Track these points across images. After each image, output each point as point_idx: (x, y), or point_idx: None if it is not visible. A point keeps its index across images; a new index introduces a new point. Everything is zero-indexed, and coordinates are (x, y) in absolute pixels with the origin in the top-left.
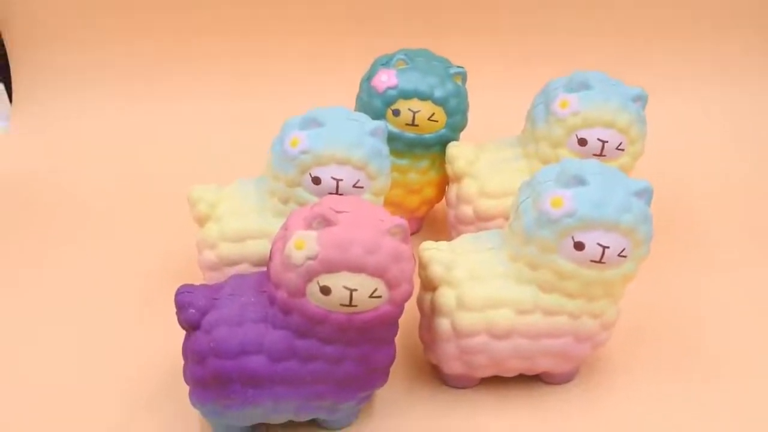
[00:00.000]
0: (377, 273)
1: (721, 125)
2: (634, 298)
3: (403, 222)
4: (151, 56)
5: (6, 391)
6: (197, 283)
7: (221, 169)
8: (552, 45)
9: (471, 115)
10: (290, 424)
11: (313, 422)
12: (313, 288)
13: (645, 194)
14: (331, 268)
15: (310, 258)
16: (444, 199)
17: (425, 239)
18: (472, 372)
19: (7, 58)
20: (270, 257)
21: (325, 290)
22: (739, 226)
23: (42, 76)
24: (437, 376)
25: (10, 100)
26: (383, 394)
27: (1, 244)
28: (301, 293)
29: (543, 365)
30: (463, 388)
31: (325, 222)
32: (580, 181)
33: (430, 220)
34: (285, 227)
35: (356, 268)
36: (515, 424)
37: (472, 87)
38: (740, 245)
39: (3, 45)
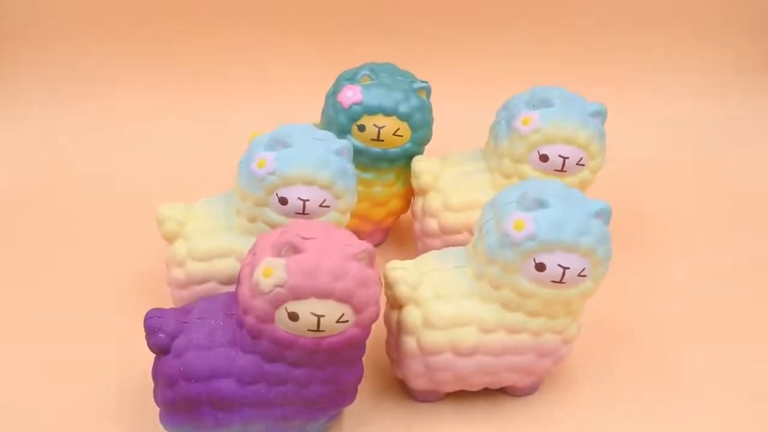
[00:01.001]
0: (344, 299)
1: (675, 135)
2: (593, 309)
3: (369, 247)
4: (123, 71)
5: None
6: (167, 298)
7: (190, 182)
8: (513, 58)
9: (435, 127)
10: None
11: None
12: (281, 314)
13: (604, 215)
14: (299, 295)
15: (278, 285)
16: (409, 210)
17: (391, 249)
18: (437, 387)
19: None
20: (238, 282)
21: (293, 316)
22: (694, 233)
23: (9, 90)
24: (404, 390)
25: None
26: (351, 409)
27: None
28: (270, 319)
29: (506, 380)
30: (429, 401)
31: (293, 249)
32: (541, 204)
33: (395, 230)
34: (253, 252)
35: (324, 295)
36: None
37: (435, 99)
38: (695, 253)
39: None
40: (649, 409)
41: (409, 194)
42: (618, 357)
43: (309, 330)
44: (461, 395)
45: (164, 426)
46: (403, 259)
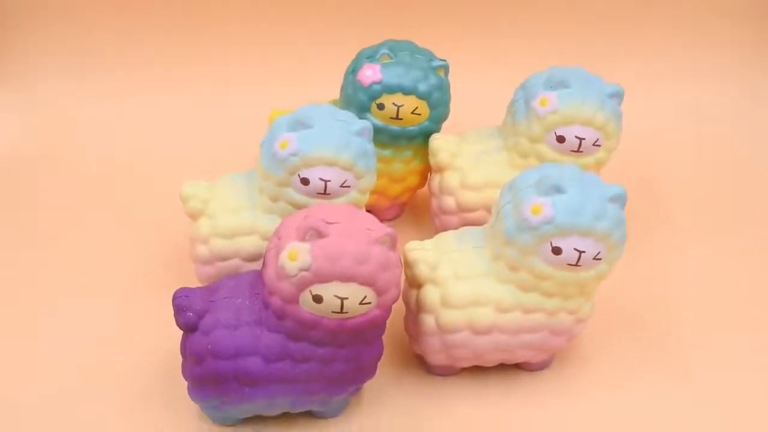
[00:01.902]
0: (367, 282)
1: (692, 115)
2: (605, 287)
3: (391, 231)
4: (140, 44)
5: (2, 388)
6: (191, 273)
7: (211, 155)
8: (531, 36)
9: (452, 105)
10: (285, 413)
11: (306, 411)
12: (305, 296)
13: (619, 199)
14: (323, 278)
15: (303, 269)
16: (426, 186)
17: (407, 223)
18: (454, 363)
19: None
20: (264, 264)
21: (318, 299)
22: (709, 215)
23: (27, 59)
24: (422, 365)
25: None
26: (371, 383)
27: None
28: (294, 301)
29: (521, 356)
30: (446, 375)
31: (317, 234)
32: (559, 189)
33: (411, 204)
34: (278, 236)
35: (347, 278)
36: (495, 409)
37: (453, 77)
38: (710, 235)
39: None
40: (659, 386)
41: (426, 170)
42: (629, 334)
43: (332, 311)
44: (477, 370)
45: (192, 399)
46: (419, 233)
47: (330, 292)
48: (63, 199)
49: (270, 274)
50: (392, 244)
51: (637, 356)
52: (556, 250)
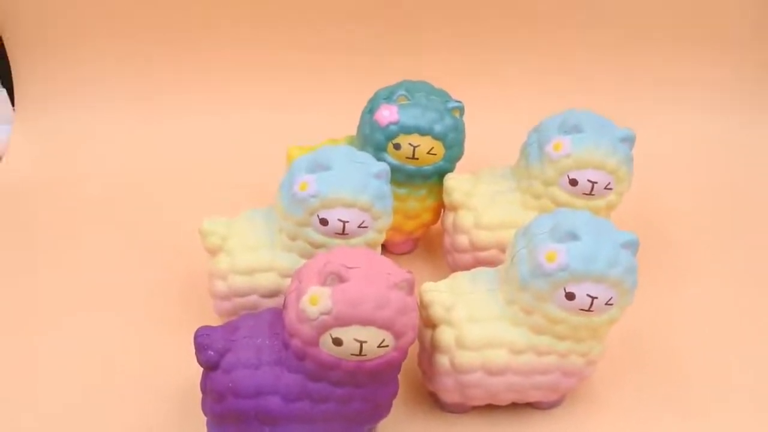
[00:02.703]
0: (385, 326)
1: (697, 155)
2: (616, 326)
3: (410, 276)
4: (158, 75)
5: (13, 411)
6: (209, 308)
7: (228, 188)
8: (543, 77)
9: (467, 143)
10: None
11: None
12: (325, 339)
13: (632, 246)
14: (344, 322)
15: (323, 313)
16: (439, 222)
17: (420, 258)
18: (467, 401)
19: (8, 63)
20: (285, 306)
21: (337, 342)
22: (714, 249)
23: (46, 83)
24: (435, 402)
25: (13, 105)
26: (386, 420)
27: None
28: (315, 343)
29: (533, 396)
30: (459, 413)
31: (338, 278)
32: (573, 236)
33: (424, 240)
34: (299, 279)
35: (366, 322)
36: None
37: (468, 115)
38: (717, 270)
39: (4, 49)
40: (670, 424)
41: (440, 207)
42: (640, 372)
43: (352, 354)
44: (489, 407)
45: None
46: (432, 267)
47: (350, 335)
48: (78, 232)
49: (291, 316)
50: (410, 289)
51: (648, 394)
52: (570, 296)
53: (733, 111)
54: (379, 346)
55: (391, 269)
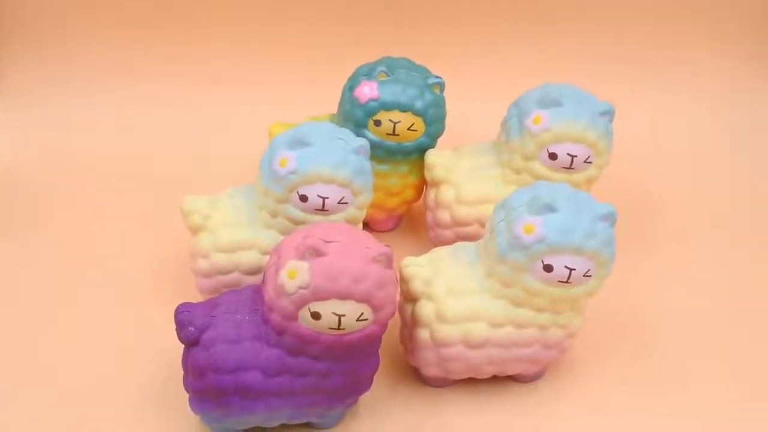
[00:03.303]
0: (364, 299)
1: (681, 130)
2: (595, 299)
3: (387, 250)
4: (140, 55)
5: (4, 392)
6: (191, 285)
7: (211, 166)
8: (523, 51)
9: (448, 119)
10: (284, 425)
11: (304, 423)
12: (304, 313)
13: (609, 218)
14: (322, 296)
15: (301, 287)
16: (422, 199)
17: (403, 235)
18: (448, 375)
19: None
20: (263, 281)
21: (316, 316)
22: (699, 227)
23: (31, 67)
24: (416, 376)
25: None
26: (367, 395)
27: None
28: (293, 317)
29: (514, 369)
30: (441, 387)
31: (316, 253)
32: (551, 209)
33: (407, 217)
34: (278, 254)
35: (345, 296)
36: (489, 419)
37: (448, 91)
38: (701, 247)
39: None
40: (650, 395)
41: (422, 184)
42: (622, 345)
43: (330, 328)
44: (471, 381)
45: (193, 411)
46: (415, 244)
47: (328, 309)
48: (63, 211)
49: (269, 291)
50: (388, 262)
51: (629, 366)
52: (548, 268)
53: (715, 89)
54: (357, 320)
55: (370, 243)
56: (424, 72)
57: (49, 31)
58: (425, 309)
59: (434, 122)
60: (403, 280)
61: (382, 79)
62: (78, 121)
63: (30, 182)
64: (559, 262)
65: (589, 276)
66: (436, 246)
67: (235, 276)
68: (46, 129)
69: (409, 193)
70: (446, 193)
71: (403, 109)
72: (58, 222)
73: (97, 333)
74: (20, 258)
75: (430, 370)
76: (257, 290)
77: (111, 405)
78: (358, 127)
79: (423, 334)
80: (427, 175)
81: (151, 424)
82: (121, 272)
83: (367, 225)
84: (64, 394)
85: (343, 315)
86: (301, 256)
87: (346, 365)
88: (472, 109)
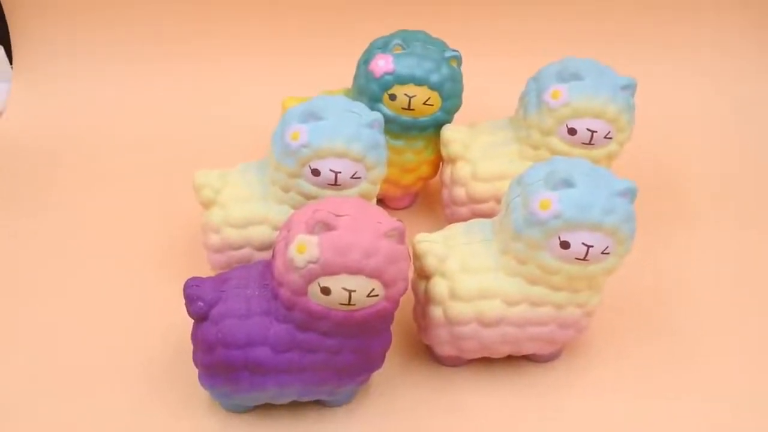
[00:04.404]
0: (374, 275)
1: (704, 111)
2: (614, 278)
3: (399, 224)
4: (156, 27)
5: (12, 365)
6: (203, 260)
7: (226, 142)
8: (545, 26)
9: (465, 95)
10: (294, 402)
11: (315, 400)
12: (314, 288)
13: (629, 194)
14: (331, 271)
15: (311, 262)
16: (438, 176)
17: (419, 212)
18: (462, 354)
19: (5, 21)
20: (273, 256)
21: (326, 291)
22: (721, 208)
23: (43, 39)
24: (430, 355)
25: (11, 62)
26: (380, 373)
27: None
28: (303, 292)
29: (529, 348)
30: (454, 366)
31: (326, 227)
32: (568, 184)
33: (423, 194)
34: (288, 228)
35: (355, 271)
36: (503, 400)
37: (465, 66)
38: (723, 228)
39: (1, 7)
40: (667, 377)
41: (438, 160)
42: (640, 326)
43: (341, 303)
44: (485, 361)
45: (202, 386)
46: (431, 222)
47: (338, 284)
48: (74, 185)
49: (279, 265)
50: (400, 237)
51: (647, 348)
52: (564, 245)
53: (735, 65)
54: (368, 296)
55: (382, 218)
56: (441, 45)
57: (61, 5)
58: (439, 286)
59: (451, 97)
60: (417, 257)
61: (397, 52)
62: (90, 95)
63: (42, 156)
64: (576, 239)
65: (608, 253)
66: (451, 224)
67: (246, 251)
68: (59, 103)
69: (425, 170)
70: (462, 170)
71: (419, 82)
72: (68, 196)
73: (108, 308)
74: (30, 232)
75: (444, 349)
76: (267, 265)
77: (121, 379)
78: (373, 101)
79: (436, 312)
80: (443, 151)
81: (161, 399)
82: (133, 247)
83: (382, 202)
84: (73, 369)
85: (354, 290)
86: (311, 230)
87: (357, 342)
88: (490, 84)
